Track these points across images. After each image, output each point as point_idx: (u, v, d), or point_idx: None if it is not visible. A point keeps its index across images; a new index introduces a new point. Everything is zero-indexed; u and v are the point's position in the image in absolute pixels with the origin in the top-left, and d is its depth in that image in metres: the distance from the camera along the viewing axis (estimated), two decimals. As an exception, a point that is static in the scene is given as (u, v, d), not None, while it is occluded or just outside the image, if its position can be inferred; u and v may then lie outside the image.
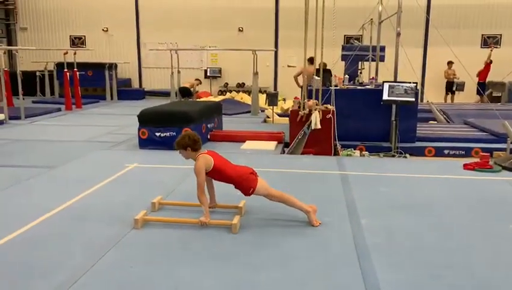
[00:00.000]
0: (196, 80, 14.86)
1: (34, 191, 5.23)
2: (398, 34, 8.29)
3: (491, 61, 15.69)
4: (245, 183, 4.11)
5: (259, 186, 4.11)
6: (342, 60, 12.66)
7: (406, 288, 3.07)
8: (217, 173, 4.14)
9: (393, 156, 8.10)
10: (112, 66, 16.70)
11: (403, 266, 3.38)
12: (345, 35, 16.61)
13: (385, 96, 8.09)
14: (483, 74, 15.67)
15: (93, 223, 4.17)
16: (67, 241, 3.80)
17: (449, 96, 16.48)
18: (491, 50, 15.89)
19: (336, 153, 7.75)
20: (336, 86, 8.54)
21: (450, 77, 16.23)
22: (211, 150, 4.31)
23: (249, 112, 12.68)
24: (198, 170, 4.04)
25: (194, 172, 4.11)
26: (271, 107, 11.60)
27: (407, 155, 8.13)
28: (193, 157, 4.14)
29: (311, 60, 8.77)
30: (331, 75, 8.71)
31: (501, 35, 16.83)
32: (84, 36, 18.61)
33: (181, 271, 3.28)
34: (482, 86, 14.83)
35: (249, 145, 8.02)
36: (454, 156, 8.20)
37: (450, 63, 15.71)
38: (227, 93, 16.76)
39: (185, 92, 13.76)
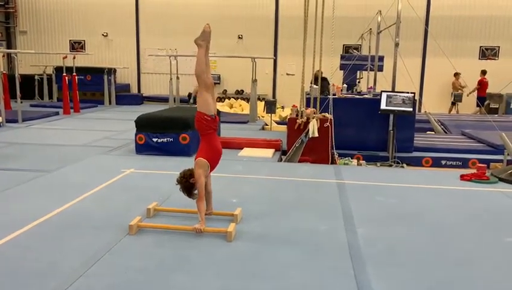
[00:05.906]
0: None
1: (30, 195, 5.19)
2: (397, 44, 8.33)
3: (484, 73, 15.67)
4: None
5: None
6: (340, 69, 12.72)
7: (401, 299, 3.05)
8: (212, 161, 4.18)
9: (391, 165, 8.10)
10: (111, 71, 16.71)
11: (399, 277, 3.36)
12: (344, 45, 16.70)
13: (383, 106, 8.12)
14: (482, 89, 15.58)
15: (88, 229, 4.15)
16: (61, 246, 3.77)
17: (455, 107, 16.26)
18: (476, 88, 15.62)
19: (333, 162, 7.74)
20: (334, 94, 8.56)
21: (457, 89, 16.11)
22: (199, 151, 4.22)
23: (244, 122, 12.52)
24: (197, 176, 4.05)
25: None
26: (269, 114, 11.60)
27: (404, 165, 8.13)
28: (197, 180, 4.08)
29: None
30: (329, 84, 8.72)
31: (499, 47, 16.93)
32: (84, 41, 18.64)
33: (175, 278, 3.25)
34: (482, 100, 14.82)
35: (246, 152, 8.01)
36: (451, 166, 8.19)
37: (456, 74, 15.53)
38: (226, 100, 16.77)
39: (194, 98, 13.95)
